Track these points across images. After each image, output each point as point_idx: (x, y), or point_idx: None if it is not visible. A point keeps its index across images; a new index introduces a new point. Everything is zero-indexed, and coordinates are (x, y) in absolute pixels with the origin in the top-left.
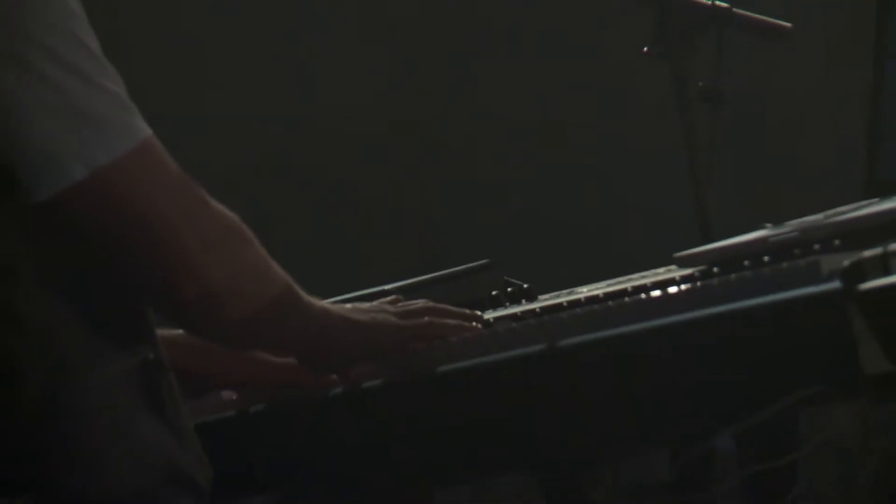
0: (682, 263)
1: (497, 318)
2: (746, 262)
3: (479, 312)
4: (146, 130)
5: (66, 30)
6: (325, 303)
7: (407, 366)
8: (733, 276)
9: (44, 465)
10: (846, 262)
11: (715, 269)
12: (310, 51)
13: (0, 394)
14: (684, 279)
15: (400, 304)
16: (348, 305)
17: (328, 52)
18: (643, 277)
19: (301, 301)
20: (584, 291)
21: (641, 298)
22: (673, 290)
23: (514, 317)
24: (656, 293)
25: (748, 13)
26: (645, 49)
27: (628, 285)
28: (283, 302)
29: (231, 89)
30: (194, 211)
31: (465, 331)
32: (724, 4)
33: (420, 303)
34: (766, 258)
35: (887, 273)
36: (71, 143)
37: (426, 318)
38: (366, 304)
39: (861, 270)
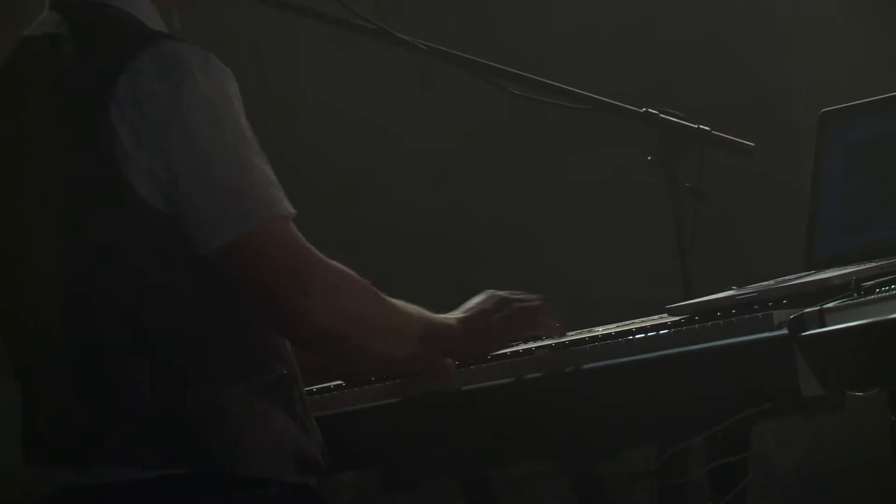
0: (671, 313)
1: (537, 348)
2: (719, 314)
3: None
4: (284, 203)
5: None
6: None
7: (466, 378)
8: (709, 323)
9: (204, 450)
10: (792, 316)
11: (696, 318)
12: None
13: (171, 396)
14: (674, 324)
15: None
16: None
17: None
18: (643, 322)
19: (435, 325)
20: (599, 330)
21: (642, 336)
22: (665, 331)
23: (549, 346)
24: (652, 333)
25: (722, 134)
26: (649, 158)
27: (632, 326)
28: (405, 334)
29: None
30: (307, 271)
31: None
32: (706, 128)
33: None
34: (733, 311)
35: (822, 325)
36: (227, 211)
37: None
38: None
39: (803, 322)
